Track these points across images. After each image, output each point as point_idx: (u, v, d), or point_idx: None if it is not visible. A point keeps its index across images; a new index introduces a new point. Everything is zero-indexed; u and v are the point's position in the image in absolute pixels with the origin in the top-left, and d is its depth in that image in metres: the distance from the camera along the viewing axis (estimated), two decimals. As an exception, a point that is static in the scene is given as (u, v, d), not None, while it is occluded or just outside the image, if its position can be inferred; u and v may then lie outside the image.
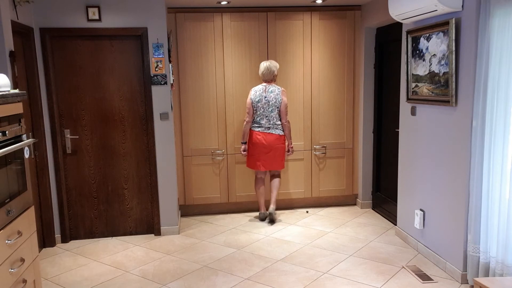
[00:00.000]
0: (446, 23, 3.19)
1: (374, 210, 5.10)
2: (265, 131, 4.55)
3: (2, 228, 2.11)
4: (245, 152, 4.70)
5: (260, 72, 4.58)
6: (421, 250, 3.81)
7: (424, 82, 3.58)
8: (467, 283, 3.22)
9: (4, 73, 3.05)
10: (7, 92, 2.25)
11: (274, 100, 4.52)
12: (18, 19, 3.58)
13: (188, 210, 5.05)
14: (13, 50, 3.23)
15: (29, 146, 2.47)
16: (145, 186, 4.42)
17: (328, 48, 4.96)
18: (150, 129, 4.30)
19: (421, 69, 3.63)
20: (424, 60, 3.57)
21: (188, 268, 3.66)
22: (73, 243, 4.30)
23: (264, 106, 4.52)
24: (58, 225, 4.28)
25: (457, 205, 3.26)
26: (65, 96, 4.19)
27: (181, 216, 5.00)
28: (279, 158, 4.61)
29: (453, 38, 3.13)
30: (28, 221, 2.43)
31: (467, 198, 3.14)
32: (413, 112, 3.86)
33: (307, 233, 4.40)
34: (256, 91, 4.56)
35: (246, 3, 4.61)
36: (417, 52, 3.67)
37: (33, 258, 2.47)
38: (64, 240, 4.30)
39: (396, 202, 4.30)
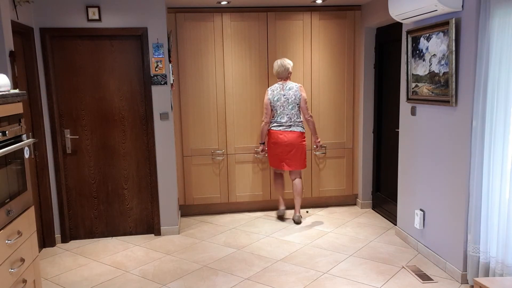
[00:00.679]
0: (446, 23, 3.19)
1: (374, 210, 5.10)
2: (286, 129, 4.48)
3: (2, 228, 2.11)
4: (263, 152, 4.69)
5: (274, 71, 4.54)
6: (421, 250, 3.81)
7: (424, 82, 3.58)
8: (467, 283, 3.22)
9: (4, 73, 3.05)
10: (7, 92, 2.25)
11: (294, 97, 4.46)
12: (18, 19, 3.58)
13: (188, 210, 5.05)
14: (13, 50, 3.23)
15: (29, 146, 2.47)
16: (145, 186, 4.42)
17: (328, 48, 4.96)
18: (150, 129, 4.30)
19: (421, 69, 3.63)
20: (424, 60, 3.57)
21: (188, 268, 3.66)
22: (73, 243, 4.30)
23: (284, 104, 4.46)
24: (58, 225, 4.28)
25: (457, 205, 3.26)
26: (65, 96, 4.19)
27: (181, 216, 5.00)
28: (301, 157, 4.55)
29: (453, 38, 3.13)
30: (28, 221, 2.43)
31: (467, 198, 3.14)
32: (413, 112, 3.86)
33: (307, 233, 4.40)
34: (274, 90, 4.51)
35: (246, 3, 4.61)
36: (417, 52, 3.67)
37: (33, 258, 2.47)
38: (64, 240, 4.30)
39: (396, 202, 4.30)
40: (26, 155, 2.44)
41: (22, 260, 2.29)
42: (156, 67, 4.21)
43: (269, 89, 4.56)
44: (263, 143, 4.68)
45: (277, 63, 4.51)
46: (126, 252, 4.04)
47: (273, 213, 4.98)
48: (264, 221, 4.80)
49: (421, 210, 3.79)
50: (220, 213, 5.10)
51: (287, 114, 4.47)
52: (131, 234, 4.46)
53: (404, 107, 4.02)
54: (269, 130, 4.58)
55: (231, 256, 3.87)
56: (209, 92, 4.85)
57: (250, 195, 5.04)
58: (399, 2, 3.56)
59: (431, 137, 3.58)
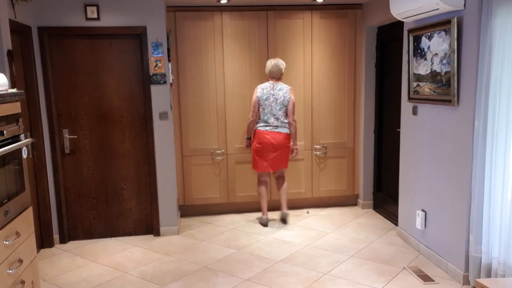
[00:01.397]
0: (448, 22, 3.17)
1: (375, 210, 5.08)
2: (273, 130, 4.44)
3: (0, 229, 2.08)
4: (247, 148, 4.68)
5: (267, 70, 4.51)
6: (422, 251, 3.78)
7: (426, 82, 3.56)
8: (469, 284, 3.20)
9: (2, 73, 3.02)
10: (5, 92, 2.23)
11: (283, 98, 4.43)
12: (16, 18, 3.55)
13: (188, 210, 5.02)
14: (11, 49, 3.20)
15: (27, 146, 2.44)
16: (144, 186, 4.39)
17: (328, 47, 4.94)
18: (149, 128, 4.28)
19: (422, 68, 3.61)
20: (425, 59, 3.55)
21: (188, 269, 3.64)
22: (72, 244, 4.27)
23: (272, 104, 4.43)
24: (56, 226, 4.25)
25: (459, 205, 3.24)
26: (63, 95, 4.16)
27: (181, 216, 4.98)
28: (285, 158, 4.54)
29: (455, 37, 3.11)
30: (26, 222, 2.40)
31: (469, 198, 3.12)
32: (414, 112, 3.84)
33: (307, 233, 4.38)
34: (264, 89, 4.47)
35: (246, 2, 4.59)
36: (419, 51, 3.65)
37: (32, 259, 2.44)
38: (63, 240, 4.28)
39: (397, 202, 4.28)
40: (24, 155, 2.42)
41: (20, 261, 2.27)
42: (155, 66, 4.18)
43: (259, 87, 4.52)
44: (250, 138, 4.64)
45: (271, 63, 4.48)
46: (125, 252, 4.02)
47: (274, 213, 4.96)
48: (264, 221, 4.78)
49: (422, 210, 3.76)
50: (220, 213, 5.07)
51: (274, 115, 4.44)
52: (130, 234, 4.43)
53: (406, 106, 4.00)
54: (255, 130, 4.53)
55: (231, 257, 3.85)
56: (209, 91, 4.83)
57: (250, 195, 5.02)
58: (400, 0, 3.54)
59: (433, 137, 3.56)
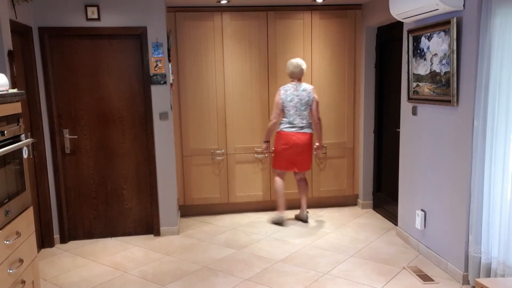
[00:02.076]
0: (448, 22, 3.18)
1: (374, 210, 5.09)
2: (299, 131, 4.39)
3: (1, 229, 2.09)
4: (266, 151, 4.64)
5: (289, 71, 4.42)
6: (422, 251, 3.79)
7: (425, 82, 3.57)
8: (468, 283, 3.20)
9: (2, 73, 3.03)
10: (5, 92, 2.23)
11: (307, 99, 4.39)
12: (16, 18, 3.56)
13: (188, 210, 5.03)
14: (11, 49, 3.21)
15: (27, 146, 2.45)
16: (145, 186, 4.40)
17: (328, 48, 4.94)
18: (149, 129, 4.28)
19: (422, 69, 3.61)
20: (425, 59, 3.55)
21: (188, 269, 3.64)
22: (72, 244, 4.28)
23: (297, 105, 4.37)
24: (57, 226, 4.26)
25: (458, 205, 3.25)
26: (64, 95, 4.17)
27: (181, 216, 4.98)
28: (310, 159, 4.51)
29: (455, 37, 3.12)
30: (26, 222, 2.41)
31: (468, 198, 3.13)
32: (414, 112, 3.85)
33: (307, 233, 4.38)
34: (287, 90, 4.40)
35: (246, 2, 4.59)
36: (418, 51, 3.66)
37: (32, 259, 2.45)
38: (63, 240, 4.28)
39: (397, 202, 4.29)
40: (25, 155, 2.42)
41: (21, 260, 2.27)
42: (155, 67, 4.19)
43: (281, 88, 4.45)
44: (268, 142, 4.61)
45: (293, 63, 4.40)
46: (125, 252, 4.02)
47: (274, 214, 4.96)
48: (264, 221, 4.78)
49: (422, 210, 3.77)
50: (220, 213, 5.08)
51: (300, 115, 4.39)
52: (130, 234, 4.44)
53: (405, 106, 4.01)
54: (279, 131, 4.47)
55: (231, 257, 3.85)
56: (209, 91, 4.83)
57: (250, 195, 5.03)
58: (400, 1, 3.54)
59: (432, 137, 3.56)
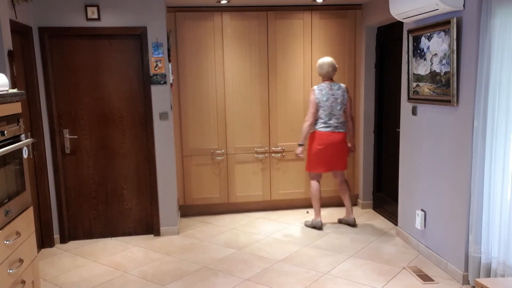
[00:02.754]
0: (448, 22, 3.18)
1: (374, 210, 5.09)
2: (335, 130, 4.32)
3: (1, 229, 2.09)
4: (302, 155, 4.49)
5: (323, 70, 4.34)
6: (422, 251, 3.79)
7: (425, 82, 3.57)
8: (468, 283, 3.20)
9: (2, 73, 3.03)
10: (5, 92, 2.23)
11: (342, 98, 4.33)
12: (16, 18, 3.56)
13: (188, 210, 5.03)
14: (11, 49, 3.21)
15: (27, 146, 2.45)
16: (145, 186, 4.40)
17: (328, 48, 4.94)
18: (149, 129, 4.28)
19: (422, 69, 3.61)
20: (425, 59, 3.55)
21: (188, 268, 3.64)
22: (72, 244, 4.28)
23: (333, 104, 4.30)
24: (57, 226, 4.25)
25: (458, 205, 3.25)
26: (64, 95, 4.17)
27: (181, 216, 4.98)
28: (345, 157, 4.46)
29: (455, 37, 3.12)
30: (26, 222, 2.41)
31: (468, 198, 3.13)
32: (414, 112, 3.85)
33: (307, 233, 4.38)
34: (322, 90, 4.32)
35: (246, 2, 4.59)
36: (418, 51, 3.65)
37: (32, 259, 2.45)
38: (63, 240, 4.28)
39: (397, 202, 4.29)
40: (25, 155, 2.42)
41: (21, 260, 2.27)
42: (155, 67, 4.19)
43: (316, 88, 4.36)
44: (303, 145, 4.47)
45: (326, 63, 4.32)
46: (125, 252, 4.02)
47: (274, 214, 4.97)
48: (264, 221, 4.78)
49: (422, 210, 3.77)
50: (220, 213, 5.08)
51: (335, 115, 4.32)
52: (130, 234, 4.44)
53: (405, 106, 4.01)
54: (314, 132, 4.38)
55: (231, 257, 3.85)
56: (209, 91, 4.83)
57: (250, 195, 5.02)
58: (400, 1, 3.54)
59: (432, 137, 3.56)
